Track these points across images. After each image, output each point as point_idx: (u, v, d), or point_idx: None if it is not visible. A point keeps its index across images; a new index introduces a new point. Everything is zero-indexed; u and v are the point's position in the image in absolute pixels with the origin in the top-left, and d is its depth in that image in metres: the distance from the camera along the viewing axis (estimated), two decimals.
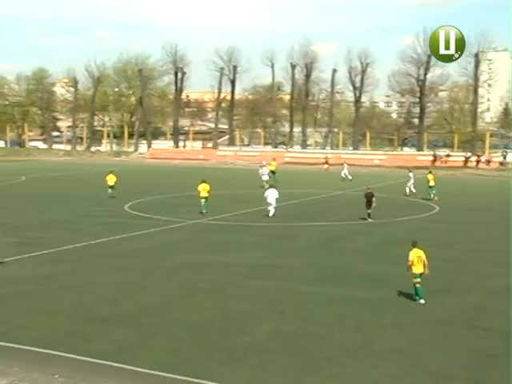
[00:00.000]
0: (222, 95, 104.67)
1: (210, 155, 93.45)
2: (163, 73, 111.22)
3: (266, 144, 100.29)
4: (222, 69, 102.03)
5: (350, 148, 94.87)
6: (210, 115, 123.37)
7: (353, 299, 18.95)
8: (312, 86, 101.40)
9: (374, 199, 34.22)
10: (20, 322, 16.71)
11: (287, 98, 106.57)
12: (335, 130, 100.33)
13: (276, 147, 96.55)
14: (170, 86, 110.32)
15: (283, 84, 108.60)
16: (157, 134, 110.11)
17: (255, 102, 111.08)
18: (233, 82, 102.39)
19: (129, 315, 17.27)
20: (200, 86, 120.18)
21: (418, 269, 18.43)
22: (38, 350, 14.64)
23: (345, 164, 61.74)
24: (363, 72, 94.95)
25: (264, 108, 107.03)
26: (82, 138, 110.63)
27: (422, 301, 18.33)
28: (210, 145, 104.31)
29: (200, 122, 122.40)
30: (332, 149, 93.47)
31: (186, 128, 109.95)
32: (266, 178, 52.22)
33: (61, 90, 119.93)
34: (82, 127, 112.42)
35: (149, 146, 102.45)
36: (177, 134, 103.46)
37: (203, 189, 36.57)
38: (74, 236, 29.47)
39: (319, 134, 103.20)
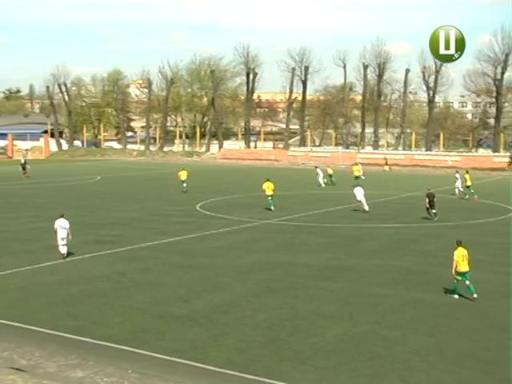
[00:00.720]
0: (294, 96, 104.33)
1: (281, 156, 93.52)
2: (235, 74, 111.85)
3: (337, 145, 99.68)
4: (294, 69, 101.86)
5: (423, 149, 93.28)
6: (281, 116, 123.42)
7: (425, 302, 18.71)
8: (384, 87, 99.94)
9: (435, 199, 34.46)
10: (96, 317, 17.18)
11: (359, 98, 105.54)
12: (408, 130, 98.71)
13: (347, 148, 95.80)
14: (241, 86, 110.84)
15: (355, 84, 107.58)
16: (228, 135, 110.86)
17: (327, 102, 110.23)
18: (304, 83, 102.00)
19: (200, 313, 17.51)
20: (271, 87, 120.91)
21: (463, 267, 18.55)
22: (112, 345, 15.05)
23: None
24: (437, 72, 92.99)
25: (335, 108, 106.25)
26: (155, 139, 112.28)
27: (456, 296, 18.70)
28: (281, 145, 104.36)
29: (271, 123, 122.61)
30: (404, 150, 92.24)
31: (258, 128, 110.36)
32: (321, 179, 54.68)
33: (135, 91, 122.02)
34: (156, 128, 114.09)
35: (220, 147, 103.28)
36: (248, 134, 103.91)
37: (268, 187, 37.33)
38: (147, 234, 30.07)
39: (391, 134, 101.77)
